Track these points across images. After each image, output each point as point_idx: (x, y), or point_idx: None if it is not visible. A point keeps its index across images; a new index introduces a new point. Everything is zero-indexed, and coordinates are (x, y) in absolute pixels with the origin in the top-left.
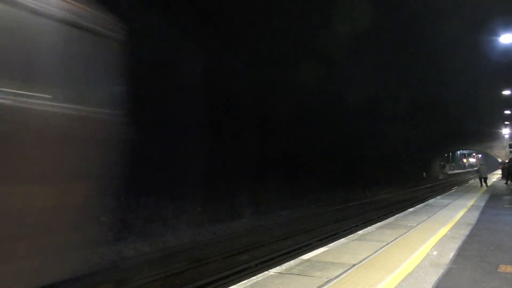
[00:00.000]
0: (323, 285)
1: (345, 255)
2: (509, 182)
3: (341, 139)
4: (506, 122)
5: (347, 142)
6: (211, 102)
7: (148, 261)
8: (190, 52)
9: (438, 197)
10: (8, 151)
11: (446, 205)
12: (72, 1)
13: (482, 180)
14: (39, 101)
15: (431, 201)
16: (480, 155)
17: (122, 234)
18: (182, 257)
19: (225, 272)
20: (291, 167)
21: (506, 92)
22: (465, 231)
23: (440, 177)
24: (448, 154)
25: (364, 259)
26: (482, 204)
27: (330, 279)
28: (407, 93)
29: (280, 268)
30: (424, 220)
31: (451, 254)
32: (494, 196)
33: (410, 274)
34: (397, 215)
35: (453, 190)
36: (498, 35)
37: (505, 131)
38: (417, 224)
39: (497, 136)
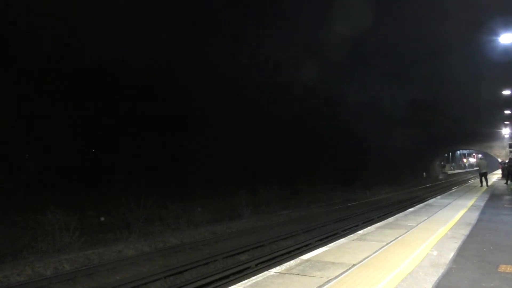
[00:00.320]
0: (323, 285)
1: (345, 255)
2: (509, 182)
3: (341, 139)
4: (506, 122)
5: (347, 143)
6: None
7: None
8: None
9: (438, 197)
10: None
11: (446, 205)
12: None
13: (482, 177)
14: None
15: (431, 201)
16: (480, 155)
17: None
18: None
19: None
20: (291, 167)
21: (506, 92)
22: (465, 231)
23: (440, 177)
24: (448, 154)
25: (364, 259)
26: (482, 204)
27: (330, 279)
28: (407, 93)
29: (280, 268)
30: (424, 220)
31: (451, 254)
32: (494, 196)
33: (410, 274)
34: (397, 215)
35: (453, 190)
36: (498, 35)
37: (505, 131)
38: (417, 224)
39: (497, 136)
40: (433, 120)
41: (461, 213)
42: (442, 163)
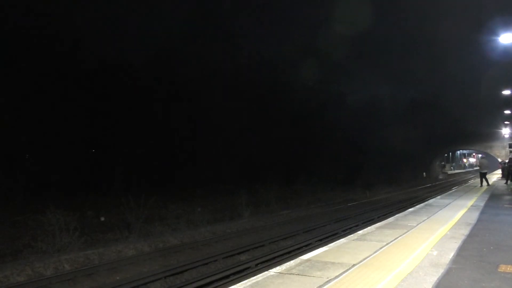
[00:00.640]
0: (323, 285)
1: (345, 255)
2: (509, 182)
3: (341, 139)
4: (506, 122)
5: (347, 143)
6: None
7: None
8: None
9: (438, 197)
10: None
11: (446, 205)
12: None
13: (482, 177)
14: None
15: (431, 201)
16: (480, 155)
17: None
18: None
19: None
20: (291, 167)
21: (506, 92)
22: (465, 231)
23: (440, 177)
24: (448, 154)
25: (364, 259)
26: (482, 204)
27: (330, 279)
28: (407, 93)
29: (280, 268)
30: (424, 220)
31: (451, 254)
32: (494, 196)
33: (410, 274)
34: (397, 215)
35: (453, 190)
36: (498, 35)
37: (505, 131)
38: (417, 224)
39: (497, 136)
40: (433, 120)
41: (461, 213)
42: (442, 163)
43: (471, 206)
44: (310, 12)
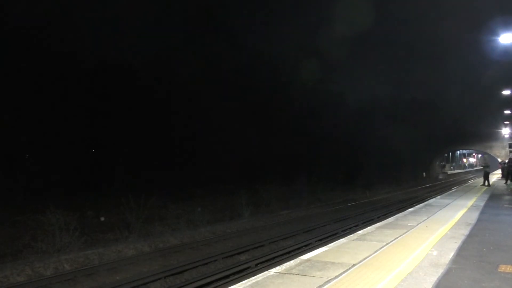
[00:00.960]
0: (323, 285)
1: (345, 255)
2: (509, 182)
3: (341, 139)
4: (506, 122)
5: (347, 143)
6: None
7: None
8: None
9: (438, 197)
10: None
11: (446, 205)
12: None
13: (486, 176)
14: None
15: (431, 201)
16: (480, 155)
17: None
18: None
19: None
20: (291, 167)
21: (506, 92)
22: (465, 231)
23: (440, 177)
24: (448, 154)
25: (364, 259)
26: (482, 204)
27: (330, 279)
28: (407, 93)
29: (280, 268)
30: (424, 220)
31: (451, 254)
32: (494, 196)
33: (410, 274)
34: (397, 215)
35: (453, 190)
36: (498, 35)
37: (505, 131)
38: (417, 224)
39: (497, 136)
40: (433, 120)
41: (461, 213)
42: (442, 163)
43: (471, 206)
44: (310, 12)
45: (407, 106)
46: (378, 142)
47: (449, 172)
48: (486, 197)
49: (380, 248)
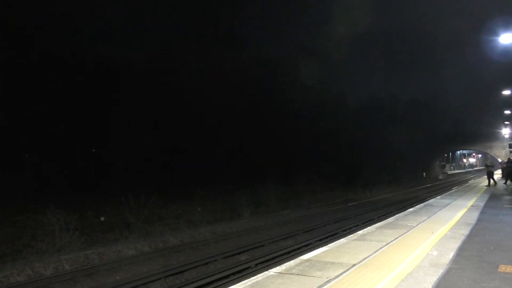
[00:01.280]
0: (323, 285)
1: (345, 255)
2: (508, 182)
3: (341, 139)
4: (506, 122)
5: (347, 143)
6: None
7: None
8: None
9: (438, 197)
10: None
11: (446, 205)
12: None
13: (491, 176)
14: None
15: (431, 201)
16: (480, 155)
17: None
18: None
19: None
20: (291, 167)
21: (506, 92)
22: (465, 231)
23: (440, 177)
24: (448, 154)
25: (364, 259)
26: (482, 204)
27: (330, 279)
28: (407, 93)
29: (280, 268)
30: (424, 220)
31: (451, 254)
32: (494, 196)
33: (410, 274)
34: (397, 215)
35: (453, 190)
36: (498, 35)
37: (505, 131)
38: (417, 224)
39: (497, 136)
40: (433, 120)
41: (461, 213)
42: (442, 163)
43: (471, 206)
44: (310, 12)
45: (407, 106)
46: (378, 142)
47: (449, 172)
48: (486, 197)
49: (380, 248)
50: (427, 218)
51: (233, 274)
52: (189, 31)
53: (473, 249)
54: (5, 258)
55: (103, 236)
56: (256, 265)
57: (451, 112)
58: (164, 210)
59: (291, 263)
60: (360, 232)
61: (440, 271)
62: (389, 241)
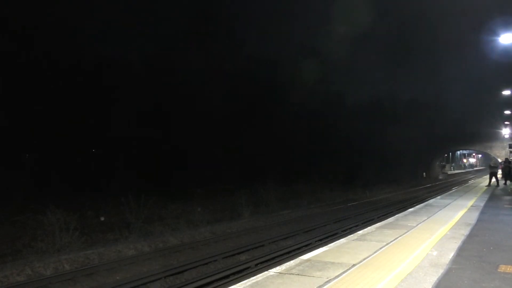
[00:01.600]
0: (323, 285)
1: (345, 255)
2: (508, 182)
3: (341, 139)
4: (506, 122)
5: (347, 143)
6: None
7: None
8: None
9: (438, 197)
10: None
11: (446, 205)
12: None
13: (494, 176)
14: None
15: (431, 201)
16: (480, 155)
17: None
18: None
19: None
20: (291, 167)
21: (506, 92)
22: (465, 231)
23: (440, 177)
24: (448, 154)
25: (364, 259)
26: (482, 204)
27: (330, 279)
28: (407, 93)
29: (280, 268)
30: (424, 220)
31: (451, 254)
32: (494, 196)
33: (410, 274)
34: (397, 215)
35: (453, 190)
36: (498, 35)
37: (505, 131)
38: (417, 224)
39: (497, 136)
40: (433, 120)
41: (461, 213)
42: (442, 163)
43: (471, 206)
44: (310, 12)
45: (407, 106)
46: (378, 142)
47: (449, 172)
48: (486, 197)
49: (380, 248)
50: (427, 218)
51: (233, 274)
52: (189, 31)
53: (473, 249)
54: (5, 258)
55: (103, 236)
56: (256, 265)
57: (451, 112)
58: (164, 210)
59: (291, 263)
60: (360, 232)
61: (440, 271)
62: (389, 241)
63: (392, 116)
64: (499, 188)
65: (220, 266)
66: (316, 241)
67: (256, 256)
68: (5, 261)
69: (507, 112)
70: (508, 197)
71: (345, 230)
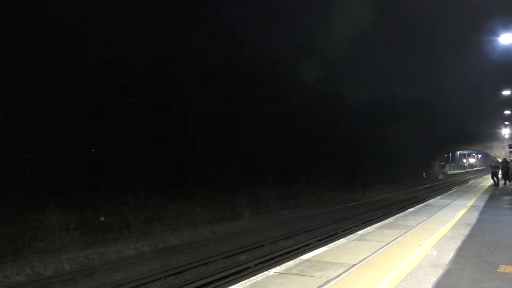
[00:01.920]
0: (323, 285)
1: (345, 255)
2: (507, 182)
3: (341, 139)
4: (506, 122)
5: (347, 143)
6: None
7: None
8: None
9: (438, 197)
10: None
11: (446, 205)
12: None
13: (495, 175)
14: None
15: (431, 201)
16: (480, 155)
17: None
18: None
19: None
20: (291, 167)
21: (506, 92)
22: (465, 231)
23: (440, 177)
24: (448, 154)
25: (364, 259)
26: (482, 204)
27: (329, 279)
28: (407, 93)
29: (280, 268)
30: (424, 220)
31: (451, 254)
32: (493, 196)
33: (410, 274)
34: (397, 215)
35: (453, 190)
36: (498, 36)
37: (505, 131)
38: (417, 224)
39: (497, 136)
40: (433, 120)
41: (461, 213)
42: (442, 163)
43: (471, 206)
44: (310, 12)
45: (407, 106)
46: (378, 142)
47: (449, 172)
48: (486, 197)
49: (380, 248)
50: (427, 218)
51: (233, 274)
52: (188, 31)
53: (473, 249)
54: (5, 258)
55: (103, 236)
56: (256, 265)
57: (451, 112)
58: (164, 210)
59: (291, 263)
60: (360, 232)
61: (440, 271)
62: (389, 241)
63: (392, 116)
64: (498, 188)
65: (220, 266)
66: (316, 241)
67: (256, 256)
68: (5, 261)
69: (507, 112)
70: (507, 197)
71: (345, 230)
